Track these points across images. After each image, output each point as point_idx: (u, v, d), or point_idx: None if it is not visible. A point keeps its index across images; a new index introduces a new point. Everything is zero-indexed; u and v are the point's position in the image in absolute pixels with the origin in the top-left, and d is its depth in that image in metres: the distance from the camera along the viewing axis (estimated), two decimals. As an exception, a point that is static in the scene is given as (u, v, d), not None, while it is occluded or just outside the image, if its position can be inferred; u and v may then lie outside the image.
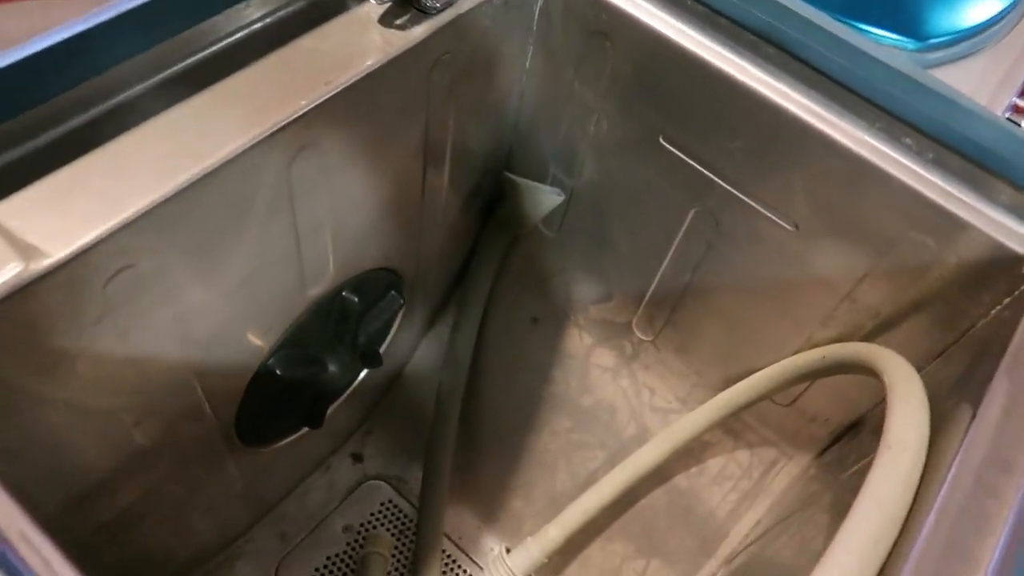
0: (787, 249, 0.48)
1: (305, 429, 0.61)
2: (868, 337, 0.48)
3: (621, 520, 0.66)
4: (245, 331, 0.45)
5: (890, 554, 0.30)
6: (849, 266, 0.45)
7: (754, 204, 0.47)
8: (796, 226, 0.46)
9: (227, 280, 0.40)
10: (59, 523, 0.41)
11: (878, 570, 0.30)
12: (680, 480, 0.63)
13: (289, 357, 0.51)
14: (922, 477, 0.33)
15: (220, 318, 0.42)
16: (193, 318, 0.40)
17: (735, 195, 0.48)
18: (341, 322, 0.54)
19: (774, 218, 0.47)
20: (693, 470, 0.63)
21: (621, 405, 0.65)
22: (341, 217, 0.45)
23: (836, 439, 0.55)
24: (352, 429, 0.72)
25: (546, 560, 0.63)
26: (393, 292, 0.58)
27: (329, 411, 0.63)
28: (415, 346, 0.71)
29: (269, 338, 0.48)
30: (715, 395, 0.59)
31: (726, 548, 0.62)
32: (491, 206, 0.65)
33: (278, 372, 0.51)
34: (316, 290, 0.49)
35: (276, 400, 0.54)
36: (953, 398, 0.38)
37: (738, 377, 0.57)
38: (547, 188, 0.59)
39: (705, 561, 0.63)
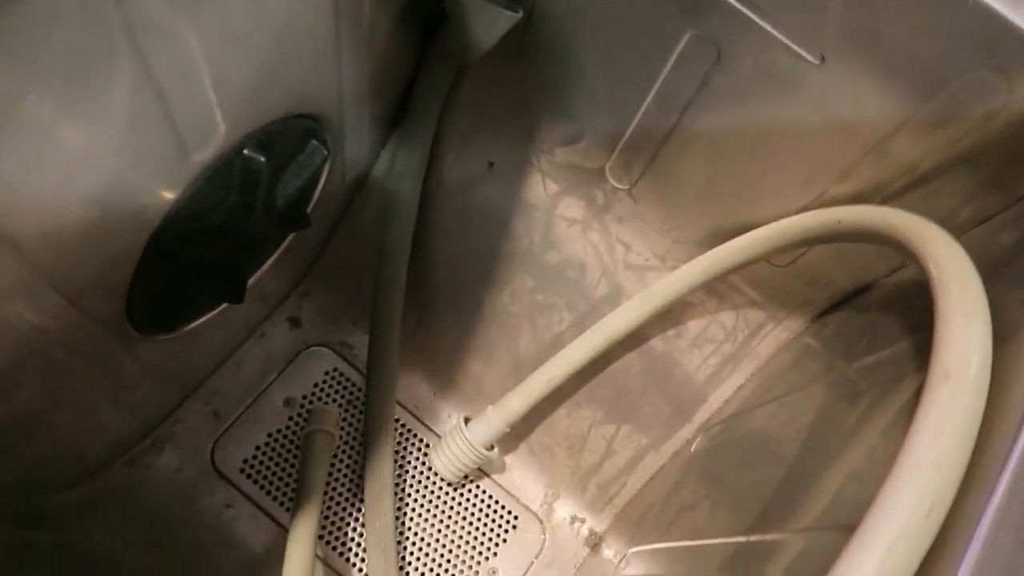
0: (806, 87, 0.37)
1: (224, 305, 0.52)
2: (894, 198, 0.39)
3: (589, 385, 0.60)
4: (115, 215, 0.35)
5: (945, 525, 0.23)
6: (885, 111, 0.36)
7: (770, 29, 0.36)
8: (822, 58, 0.36)
9: (70, 154, 0.29)
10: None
11: (928, 546, 0.23)
12: (656, 343, 0.57)
13: (184, 235, 0.41)
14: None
15: (71, 202, 0.31)
16: (35, 202, 0.29)
17: (746, 16, 0.37)
18: (248, 186, 0.43)
19: (795, 47, 0.36)
20: (670, 332, 0.56)
21: (591, 262, 0.57)
22: (219, 58, 0.33)
23: (835, 305, 0.48)
24: (286, 291, 0.63)
25: (508, 430, 0.58)
26: (313, 141, 0.47)
27: (252, 280, 0.54)
28: (350, 199, 0.61)
29: (151, 216, 0.38)
30: (699, 253, 0.51)
31: (704, 414, 0.57)
32: (431, 29, 0.52)
33: (172, 253, 0.41)
34: (204, 154, 0.38)
35: (178, 282, 0.44)
36: (1005, 282, 0.30)
37: (729, 234, 0.49)
38: (499, 5, 0.46)
39: (680, 426, 0.58)
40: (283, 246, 0.55)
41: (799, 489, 0.45)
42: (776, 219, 0.46)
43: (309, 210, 0.53)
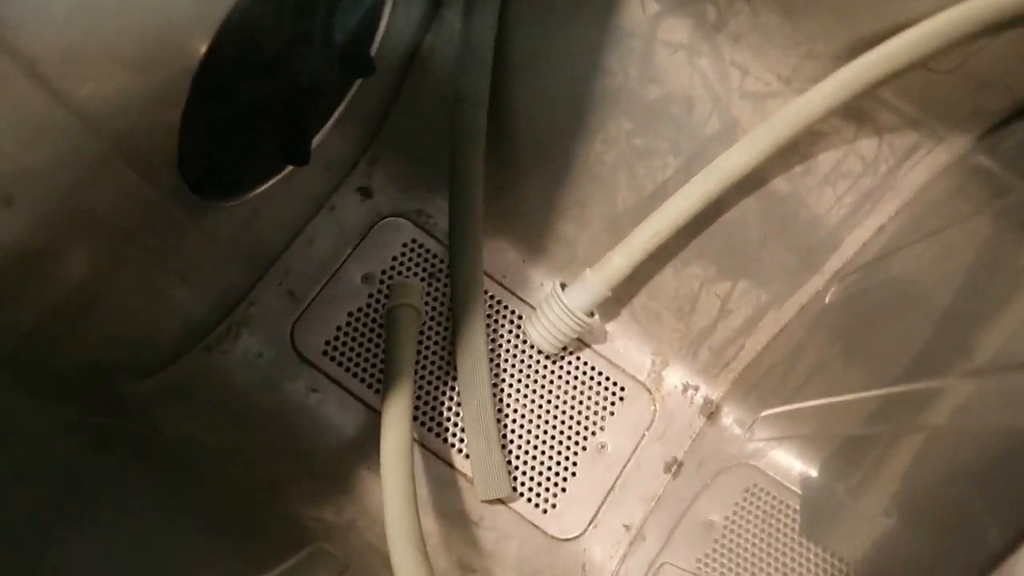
0: None
1: (289, 168, 0.46)
2: None
3: (700, 238, 0.53)
4: (153, 32, 0.29)
5: None
6: None
7: None
8: None
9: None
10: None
11: None
12: (778, 183, 0.49)
13: (236, 69, 0.35)
14: None
15: (98, 15, 0.25)
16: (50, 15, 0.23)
17: None
18: (302, 8, 0.36)
19: None
20: (797, 169, 0.48)
21: (700, 94, 0.49)
22: None
23: (1019, 112, 0.40)
24: (354, 158, 0.57)
25: (609, 294, 0.52)
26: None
27: (317, 140, 0.48)
28: (419, 41, 0.53)
29: (196, 40, 0.31)
30: (835, 69, 0.42)
31: (836, 262, 0.50)
32: None
33: (224, 90, 0.35)
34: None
35: (235, 133, 0.39)
36: None
37: (875, 39, 0.40)
38: None
39: (808, 278, 0.51)
40: (347, 99, 0.48)
41: (960, 334, 0.38)
42: (937, 11, 0.38)
43: (373, 53, 0.46)
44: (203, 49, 0.32)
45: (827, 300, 0.49)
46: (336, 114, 0.48)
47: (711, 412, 0.56)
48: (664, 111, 0.50)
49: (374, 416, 0.52)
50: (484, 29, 0.49)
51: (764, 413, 0.48)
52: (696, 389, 0.57)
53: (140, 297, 0.42)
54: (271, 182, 0.45)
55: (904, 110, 0.44)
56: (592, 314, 0.53)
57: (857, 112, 0.45)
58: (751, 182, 0.49)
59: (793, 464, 0.49)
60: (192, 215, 0.39)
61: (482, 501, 0.52)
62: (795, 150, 0.48)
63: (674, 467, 0.55)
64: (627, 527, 0.54)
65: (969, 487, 0.32)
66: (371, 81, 0.48)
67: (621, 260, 0.51)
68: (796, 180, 0.49)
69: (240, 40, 0.34)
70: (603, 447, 0.55)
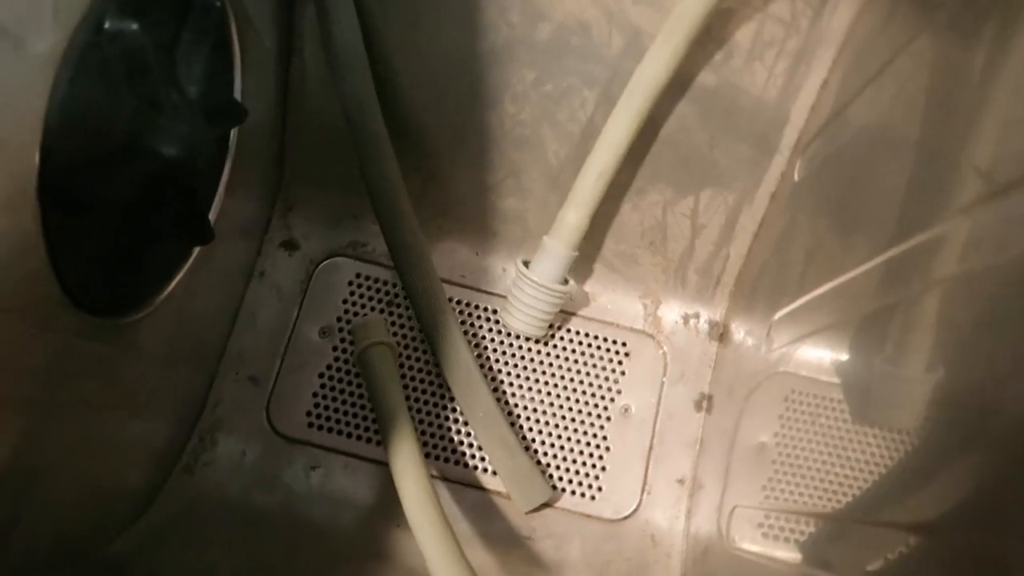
0: None
1: (196, 252, 0.41)
2: None
3: (647, 163, 0.49)
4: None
5: None
6: None
7: None
8: None
9: None
10: None
11: None
12: (705, 78, 0.46)
13: (84, 164, 0.30)
14: None
15: None
16: None
17: None
18: (137, 73, 0.31)
19: None
20: (718, 57, 0.45)
21: (592, 15, 0.45)
22: None
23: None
24: (265, 215, 0.53)
25: (575, 254, 0.48)
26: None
27: (215, 212, 0.43)
28: (285, 66, 0.48)
29: (22, 150, 0.26)
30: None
31: (791, 135, 0.47)
32: None
33: (79, 193, 0.30)
34: (47, 39, 0.26)
35: (115, 235, 0.34)
36: None
37: None
38: None
39: (768, 163, 0.48)
40: (231, 156, 0.43)
41: (941, 171, 0.35)
42: None
43: (239, 97, 0.42)
44: (36, 156, 0.27)
45: (796, 178, 0.46)
46: (224, 176, 0.43)
47: (721, 333, 0.53)
48: (562, 47, 0.46)
49: (384, 469, 0.48)
50: (346, 29, 0.45)
51: (777, 316, 0.45)
52: (697, 316, 0.53)
53: (91, 452, 0.37)
54: (181, 273, 0.40)
55: (806, -46, 0.40)
56: (566, 281, 0.50)
57: (759, -26, 0.42)
58: (677, 86, 0.46)
59: (823, 356, 0.46)
60: (109, 342, 0.34)
61: (526, 513, 0.49)
62: (710, 38, 0.44)
63: (705, 403, 0.52)
64: (681, 481, 0.50)
65: (1006, 316, 0.29)
66: (250, 128, 0.44)
67: (574, 216, 0.47)
68: (721, 68, 0.45)
69: (76, 132, 0.29)
70: (626, 410, 0.51)
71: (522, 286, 0.49)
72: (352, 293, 0.52)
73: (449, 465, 0.50)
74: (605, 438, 0.51)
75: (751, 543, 0.46)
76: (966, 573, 0.27)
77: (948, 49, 0.36)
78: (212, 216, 0.43)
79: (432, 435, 0.50)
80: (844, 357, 0.46)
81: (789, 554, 0.42)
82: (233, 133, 0.43)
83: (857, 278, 0.41)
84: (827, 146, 0.44)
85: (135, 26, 0.30)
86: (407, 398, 0.50)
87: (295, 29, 0.47)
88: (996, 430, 0.27)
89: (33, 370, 0.30)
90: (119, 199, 0.33)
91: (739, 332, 0.51)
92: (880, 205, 0.40)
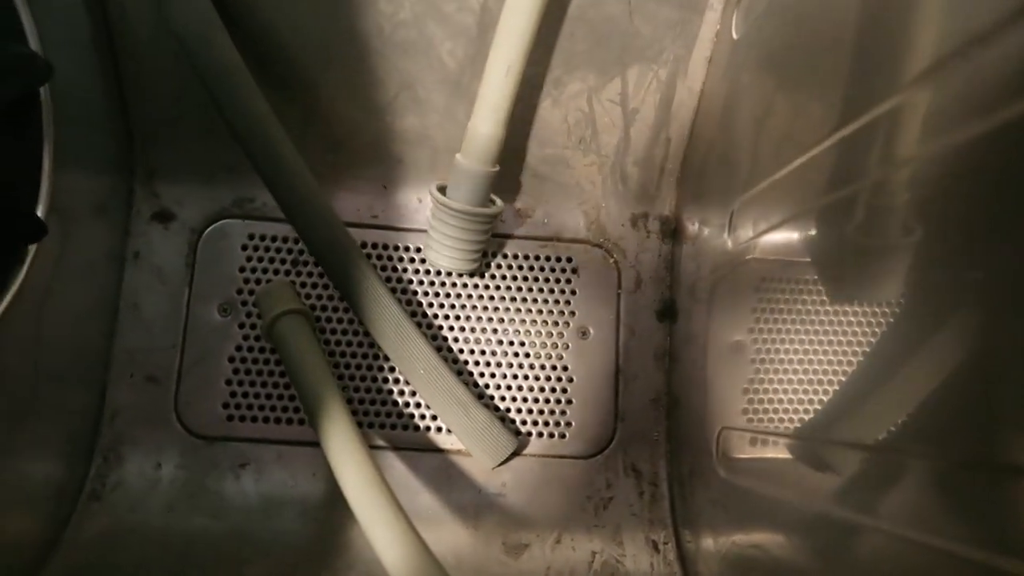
0: None
1: (32, 249, 0.33)
2: None
3: (559, 48, 0.42)
4: None
5: None
6: None
7: None
8: None
9: None
10: None
11: None
12: (610, -69, 0.38)
13: None
14: None
15: None
16: None
17: None
18: None
19: None
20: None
21: None
22: None
23: None
24: (124, 185, 0.44)
25: (496, 168, 0.41)
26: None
27: (48, 187, 0.35)
28: (102, 14, 0.39)
29: None
30: None
31: (721, -16, 0.39)
32: None
33: None
34: None
35: None
36: None
37: None
38: None
39: (700, 20, 0.41)
40: (49, 125, 0.34)
41: (896, 28, 0.29)
42: None
43: (38, 48, 0.33)
44: None
45: (735, 35, 0.39)
46: (47, 151, 0.34)
47: (674, 229, 0.47)
48: (432, -79, 0.37)
49: (319, 451, 0.42)
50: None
51: (737, 203, 0.39)
52: (644, 217, 0.47)
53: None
54: (19, 278, 0.33)
55: None
56: (492, 201, 0.43)
57: None
58: (579, -52, 0.38)
59: (790, 237, 0.40)
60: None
61: (493, 468, 0.43)
62: None
63: (668, 310, 0.46)
64: (655, 400, 0.45)
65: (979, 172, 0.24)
66: (66, 85, 0.35)
67: (487, 125, 0.40)
68: (627, -85, 0.37)
69: None
70: (584, 333, 0.46)
71: (442, 216, 0.42)
72: (248, 259, 0.45)
73: (397, 432, 0.44)
74: (566, 368, 0.45)
75: (740, 453, 0.41)
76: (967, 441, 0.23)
77: None
78: (43, 202, 0.34)
79: (372, 402, 0.44)
80: (812, 233, 0.40)
81: (781, 460, 0.37)
82: (45, 96, 0.34)
83: (821, 153, 0.36)
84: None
85: None
86: (335, 367, 0.44)
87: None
88: (982, 289, 0.23)
89: None
90: None
91: (693, 224, 0.45)
92: (832, 70, 0.33)
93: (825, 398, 0.36)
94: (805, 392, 0.38)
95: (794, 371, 0.41)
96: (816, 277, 0.40)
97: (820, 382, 0.38)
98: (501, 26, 0.38)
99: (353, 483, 0.36)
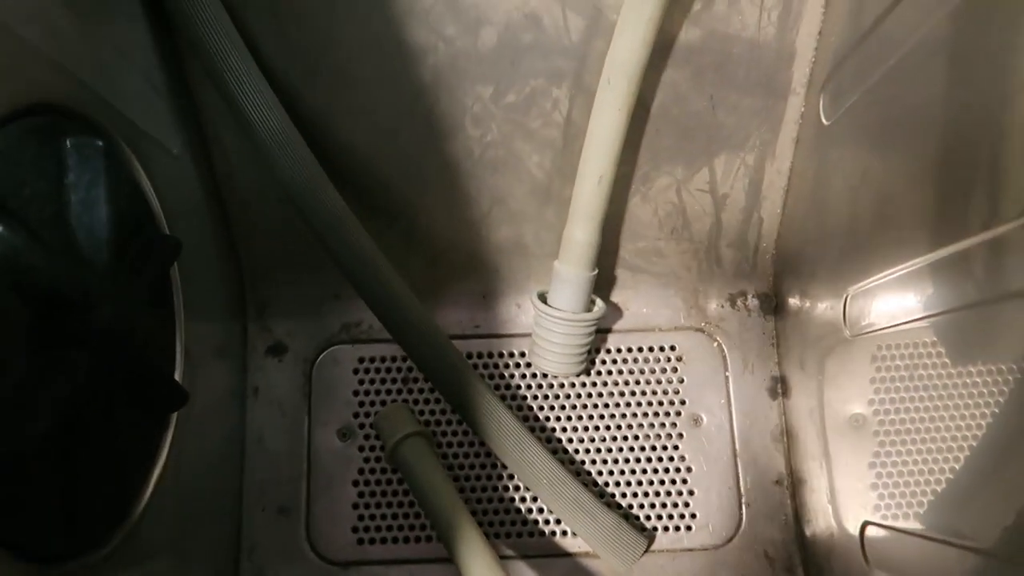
0: None
1: (174, 417, 0.35)
2: None
3: (645, 146, 0.42)
4: None
5: None
6: None
7: None
8: None
9: None
10: None
11: None
12: (688, 35, 0.38)
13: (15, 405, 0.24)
14: None
15: None
16: None
17: None
18: (30, 271, 0.25)
19: None
20: (696, 7, 0.38)
21: (540, 5, 0.37)
22: None
23: None
24: (239, 325, 0.46)
25: (594, 272, 0.42)
26: (69, 141, 0.28)
27: (180, 351, 0.36)
28: (208, 170, 0.41)
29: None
30: None
31: (802, 70, 0.39)
32: None
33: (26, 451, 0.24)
34: None
35: (72, 462, 0.27)
36: None
37: None
38: None
39: (783, 105, 0.41)
40: (178, 283, 0.36)
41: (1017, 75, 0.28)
42: None
43: (164, 224, 0.35)
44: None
45: (824, 120, 0.39)
46: (181, 315, 0.36)
47: (775, 305, 0.47)
48: (514, 48, 0.39)
49: (451, 568, 0.42)
50: (260, 103, 0.37)
51: (853, 289, 0.38)
52: (744, 295, 0.47)
53: None
54: (168, 441, 0.34)
55: None
56: (592, 303, 0.43)
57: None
58: (659, 53, 0.38)
59: (905, 299, 0.39)
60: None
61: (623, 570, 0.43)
62: (682, -11, 0.37)
63: (779, 387, 0.46)
64: (778, 483, 0.44)
65: None
66: (189, 248, 0.37)
67: (582, 232, 0.41)
68: (702, 17, 0.38)
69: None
70: (697, 420, 0.45)
71: (546, 324, 0.43)
72: (361, 381, 0.46)
73: (523, 539, 0.44)
74: (683, 458, 0.45)
75: (876, 529, 0.40)
76: None
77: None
78: (179, 365, 0.36)
79: (495, 511, 0.44)
80: (930, 292, 0.39)
81: (917, 530, 0.36)
82: (175, 265, 0.36)
83: (945, 259, 0.35)
84: (857, 77, 0.37)
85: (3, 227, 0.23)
86: (455, 479, 0.44)
87: (202, 121, 0.40)
88: None
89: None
90: (72, 418, 0.26)
91: (795, 298, 0.45)
92: (932, 140, 0.33)
93: (959, 471, 0.35)
94: (938, 463, 0.37)
95: (922, 442, 0.40)
96: (936, 339, 0.39)
97: (952, 451, 0.37)
98: (589, 138, 0.39)
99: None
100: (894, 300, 0.39)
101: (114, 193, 0.30)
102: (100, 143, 0.29)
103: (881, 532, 0.37)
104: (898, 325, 0.39)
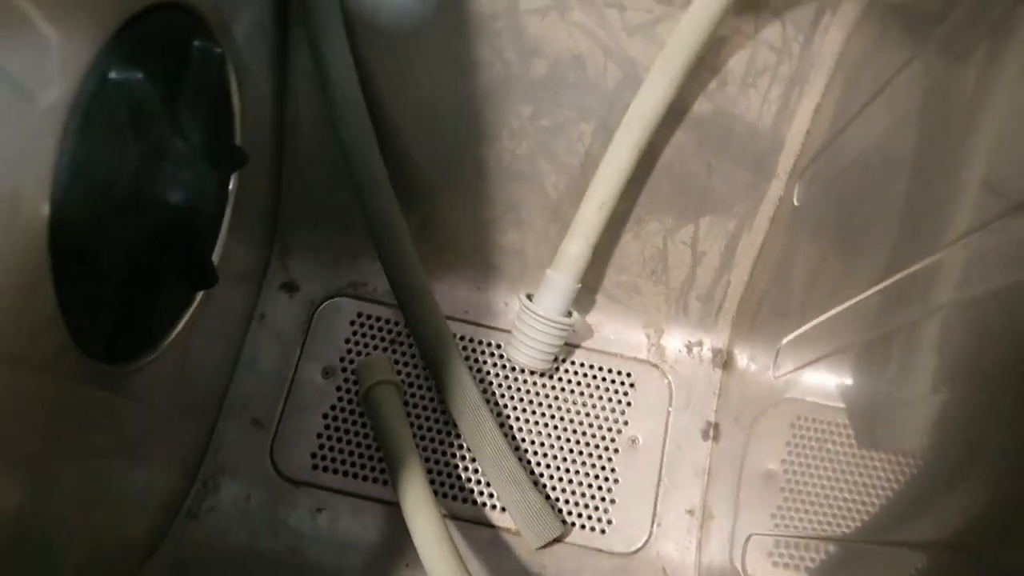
0: None
1: (200, 296, 0.41)
2: None
3: (645, 193, 0.49)
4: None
5: None
6: None
7: None
8: None
9: None
10: None
11: None
12: (701, 106, 0.46)
13: (92, 214, 0.30)
14: None
15: None
16: None
17: None
18: (142, 122, 0.31)
19: None
20: (712, 85, 0.45)
21: (587, 49, 0.45)
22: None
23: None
24: (264, 259, 0.52)
25: (578, 286, 0.48)
26: (196, 42, 0.35)
27: (217, 255, 0.43)
28: (282, 116, 0.49)
29: (29, 208, 0.26)
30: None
31: (787, 160, 0.47)
32: None
33: (90, 243, 0.30)
34: (54, 91, 0.26)
35: (125, 282, 0.33)
36: None
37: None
38: None
39: (767, 187, 0.48)
40: (230, 201, 0.43)
41: (940, 188, 0.35)
42: None
43: (238, 141, 0.42)
44: (46, 208, 0.27)
45: (796, 202, 0.46)
46: (226, 221, 0.43)
47: (725, 361, 0.53)
48: (559, 81, 0.46)
49: (393, 509, 0.47)
50: (343, 72, 0.45)
51: (783, 342, 0.45)
52: (700, 344, 0.53)
53: (93, 502, 0.36)
54: (185, 317, 0.40)
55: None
56: (570, 313, 0.50)
57: (749, 2, 0.42)
58: (674, 115, 0.46)
59: (828, 381, 0.46)
60: (116, 389, 0.34)
61: (537, 549, 0.48)
62: (704, 66, 0.44)
63: (711, 431, 0.52)
64: (691, 512, 0.50)
65: (1004, 342, 0.29)
66: (248, 172, 0.44)
67: (576, 247, 0.48)
68: (716, 96, 0.45)
69: (84, 183, 0.29)
70: (634, 441, 0.51)
71: (527, 319, 0.49)
72: (354, 333, 0.52)
73: (458, 503, 0.49)
74: (613, 470, 0.50)
75: (763, 573, 0.45)
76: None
77: (940, 72, 0.37)
78: (214, 260, 0.42)
79: (440, 473, 0.49)
80: (848, 381, 0.46)
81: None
82: (233, 178, 0.43)
83: (860, 303, 0.41)
84: (826, 170, 0.44)
85: (139, 75, 0.30)
86: (414, 436, 0.50)
87: (290, 73, 0.47)
88: (1001, 447, 0.27)
89: (42, 418, 0.30)
90: (127, 247, 0.32)
91: (743, 359, 0.51)
92: (881, 228, 0.40)
93: (847, 534, 0.40)
94: (830, 524, 0.42)
95: (820, 503, 0.46)
96: (846, 422, 0.46)
97: (844, 517, 0.43)
98: (601, 169, 0.46)
99: (426, 538, 0.41)
100: (817, 378, 0.46)
101: (216, 97, 0.37)
102: (219, 51, 0.36)
103: (761, 543, 0.43)
104: (817, 400, 0.46)
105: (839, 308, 0.39)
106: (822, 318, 0.41)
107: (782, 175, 0.47)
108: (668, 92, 0.43)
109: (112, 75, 0.29)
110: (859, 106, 0.41)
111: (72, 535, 0.35)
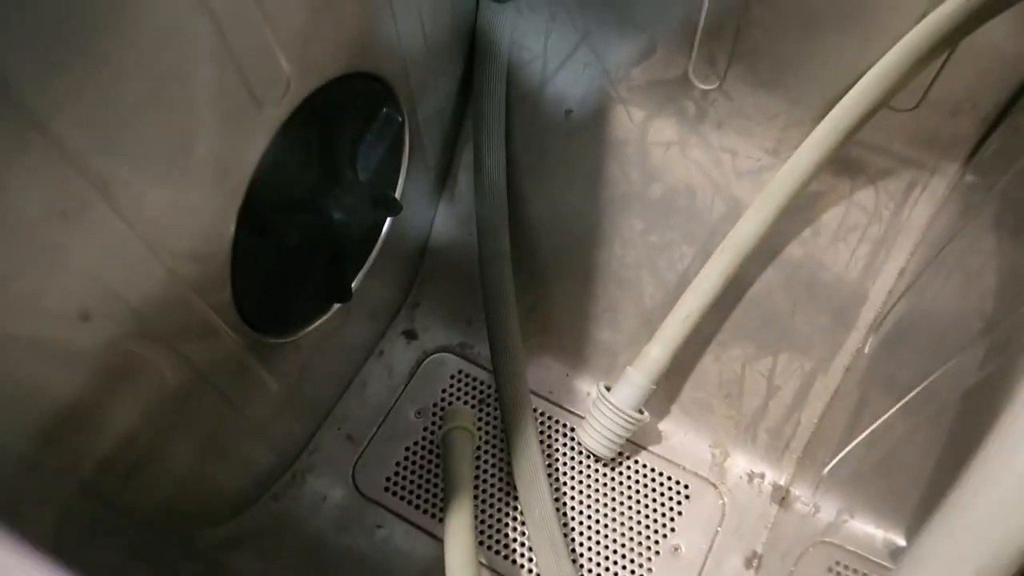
0: None
1: (336, 307, 0.50)
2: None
3: (732, 318, 0.54)
4: (200, 173, 0.34)
5: None
6: None
7: None
8: None
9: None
10: (37, 462, 0.32)
11: None
12: (793, 250, 0.51)
13: (275, 206, 0.40)
14: None
15: (161, 157, 0.31)
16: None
17: None
18: (327, 147, 0.42)
19: None
20: (806, 233, 0.51)
21: (699, 183, 0.52)
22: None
23: (992, 126, 0.42)
24: (396, 305, 0.62)
25: (654, 387, 0.53)
26: (385, 109, 0.46)
27: (358, 284, 0.52)
28: (439, 191, 0.59)
29: (237, 180, 0.36)
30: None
31: (868, 313, 0.50)
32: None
33: (265, 225, 0.40)
34: (277, 107, 0.37)
35: (279, 268, 0.43)
36: None
37: (843, 92, 0.44)
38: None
39: (846, 336, 0.51)
40: (380, 242, 0.53)
41: (999, 358, 0.38)
42: (883, 54, 0.42)
43: (398, 195, 0.52)
44: (244, 187, 0.37)
45: (866, 351, 0.49)
46: (372, 257, 0.53)
47: (782, 497, 0.55)
48: (671, 205, 0.53)
49: (440, 545, 0.52)
50: (494, 163, 0.55)
51: (825, 471, 0.47)
52: (762, 477, 0.55)
53: (212, 448, 0.44)
54: (319, 321, 0.49)
55: (887, 156, 0.47)
56: (641, 411, 0.54)
57: (847, 166, 0.48)
58: (767, 254, 0.51)
59: (873, 534, 0.47)
60: (252, 352, 0.43)
61: (560, 619, 0.50)
62: (799, 214, 0.50)
63: (755, 561, 0.53)
64: (719, 631, 0.50)
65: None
66: (401, 225, 0.54)
67: (658, 351, 0.53)
68: (808, 243, 0.51)
69: (275, 179, 0.39)
70: (676, 549, 0.53)
71: (600, 407, 0.54)
72: (451, 385, 0.59)
73: (498, 557, 0.53)
74: (651, 571, 0.52)
75: None
76: None
77: (999, 246, 0.40)
78: (353, 285, 0.52)
79: (490, 525, 0.54)
80: (898, 541, 0.47)
81: None
82: (387, 224, 0.53)
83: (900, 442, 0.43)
84: (898, 326, 0.47)
85: (335, 112, 0.41)
86: (476, 487, 0.55)
87: (455, 160, 0.58)
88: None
89: (193, 343, 0.39)
90: (291, 240, 0.42)
91: (801, 500, 0.53)
92: (942, 393, 0.42)
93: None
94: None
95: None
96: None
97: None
98: (693, 285, 0.52)
99: (455, 558, 0.46)
100: (862, 531, 0.47)
101: (388, 153, 0.48)
102: (400, 119, 0.47)
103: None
104: (858, 552, 0.47)
105: (869, 431, 0.41)
106: (857, 439, 0.43)
107: (862, 327, 0.51)
108: (760, 228, 0.49)
109: (316, 107, 0.40)
110: (937, 270, 0.45)
111: (183, 468, 0.43)
